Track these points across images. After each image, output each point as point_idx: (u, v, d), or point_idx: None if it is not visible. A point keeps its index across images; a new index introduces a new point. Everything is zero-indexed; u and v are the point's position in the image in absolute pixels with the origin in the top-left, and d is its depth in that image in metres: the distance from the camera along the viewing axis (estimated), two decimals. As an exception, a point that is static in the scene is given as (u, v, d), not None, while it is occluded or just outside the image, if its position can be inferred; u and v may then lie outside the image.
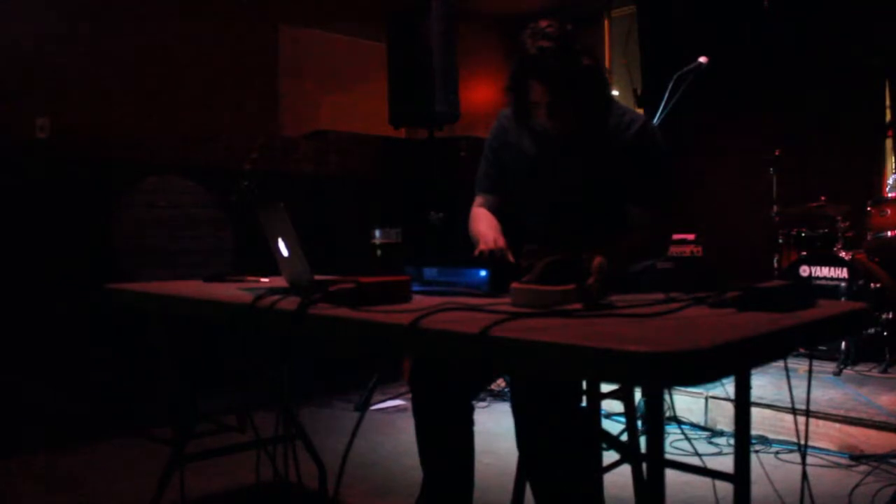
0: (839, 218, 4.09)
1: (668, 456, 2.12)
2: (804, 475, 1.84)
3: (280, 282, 2.01)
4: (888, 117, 4.43)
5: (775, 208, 4.31)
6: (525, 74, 1.87)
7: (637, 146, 1.93)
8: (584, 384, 1.86)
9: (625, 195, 1.96)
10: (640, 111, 5.01)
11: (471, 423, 1.98)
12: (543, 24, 1.86)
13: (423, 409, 1.97)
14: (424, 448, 1.98)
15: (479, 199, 2.18)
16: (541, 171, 2.04)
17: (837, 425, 3.03)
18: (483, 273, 1.69)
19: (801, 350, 3.47)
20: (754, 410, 3.16)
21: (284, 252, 1.79)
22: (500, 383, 3.99)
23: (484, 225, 2.04)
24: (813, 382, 3.47)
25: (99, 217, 3.71)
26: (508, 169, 2.11)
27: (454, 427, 1.96)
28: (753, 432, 3.09)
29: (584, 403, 1.82)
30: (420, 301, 1.56)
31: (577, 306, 1.38)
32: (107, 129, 3.79)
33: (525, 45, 1.85)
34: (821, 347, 3.86)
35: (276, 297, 1.60)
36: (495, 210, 2.13)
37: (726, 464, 1.57)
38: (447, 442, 1.96)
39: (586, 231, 1.96)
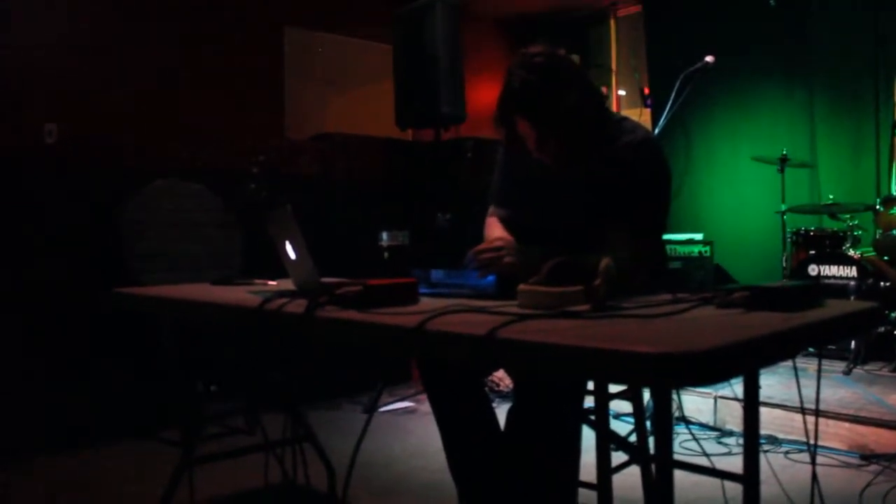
0: (848, 216, 4.06)
1: (676, 456, 2.11)
2: (814, 475, 1.83)
3: (287, 285, 2.02)
4: (897, 115, 4.40)
5: (783, 207, 4.30)
6: (510, 108, 1.82)
7: (629, 173, 1.80)
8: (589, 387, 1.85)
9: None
10: (647, 111, 5.04)
11: (482, 389, 1.95)
12: (533, 51, 1.78)
13: (438, 397, 1.91)
14: (449, 438, 1.91)
15: (491, 210, 2.15)
16: (543, 190, 1.99)
17: (847, 425, 3.01)
18: (490, 275, 1.69)
19: (811, 349, 3.46)
20: (763, 410, 3.14)
21: (292, 255, 1.80)
22: (508, 384, 3.99)
23: (495, 233, 2.02)
24: (822, 382, 3.45)
25: (106, 221, 3.72)
26: (519, 182, 2.06)
27: (468, 396, 1.90)
28: (763, 432, 3.08)
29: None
30: (427, 303, 1.56)
31: (585, 307, 1.38)
32: (113, 133, 3.80)
33: (511, 75, 1.79)
34: (830, 347, 3.84)
35: (283, 300, 1.60)
36: (507, 222, 2.09)
37: (735, 464, 1.57)
38: (468, 413, 1.89)
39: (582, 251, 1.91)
